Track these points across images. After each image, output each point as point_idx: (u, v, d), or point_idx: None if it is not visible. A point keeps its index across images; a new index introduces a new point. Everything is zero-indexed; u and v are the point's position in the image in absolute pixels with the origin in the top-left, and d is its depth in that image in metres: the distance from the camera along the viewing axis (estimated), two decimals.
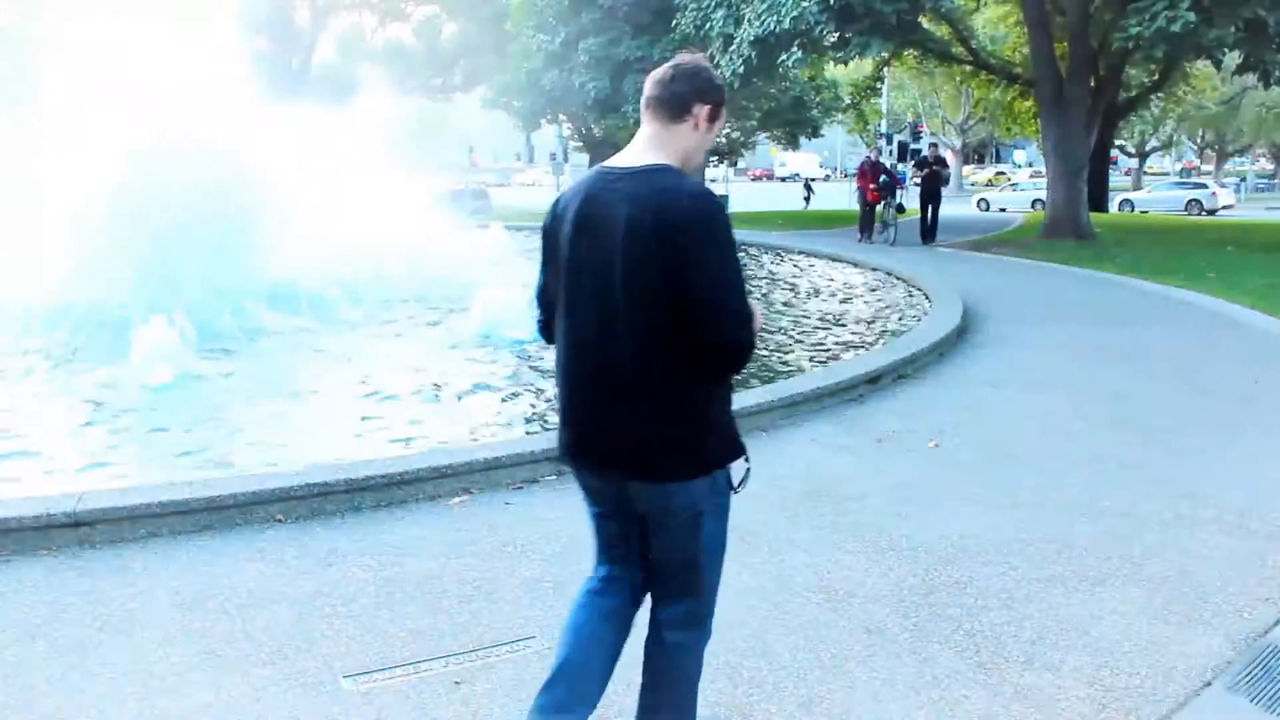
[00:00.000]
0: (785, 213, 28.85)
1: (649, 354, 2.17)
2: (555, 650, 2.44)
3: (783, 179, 49.47)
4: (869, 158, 18.87)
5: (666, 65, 2.30)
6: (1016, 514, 4.43)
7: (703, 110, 2.27)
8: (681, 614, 2.40)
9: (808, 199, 38.57)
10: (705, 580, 2.38)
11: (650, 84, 2.28)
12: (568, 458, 2.39)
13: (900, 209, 17.81)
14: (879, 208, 17.95)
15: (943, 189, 18.06)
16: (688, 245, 2.09)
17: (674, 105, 2.25)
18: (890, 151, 27.26)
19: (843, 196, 35.93)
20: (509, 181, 59.52)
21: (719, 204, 2.18)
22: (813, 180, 43.38)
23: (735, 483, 2.30)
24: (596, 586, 2.48)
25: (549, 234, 2.35)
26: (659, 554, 2.37)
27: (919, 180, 17.89)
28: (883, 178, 17.89)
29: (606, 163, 2.32)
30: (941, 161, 18.56)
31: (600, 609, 2.46)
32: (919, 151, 24.15)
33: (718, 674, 3.07)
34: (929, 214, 17.55)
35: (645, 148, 2.26)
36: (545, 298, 2.41)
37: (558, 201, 2.35)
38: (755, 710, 2.89)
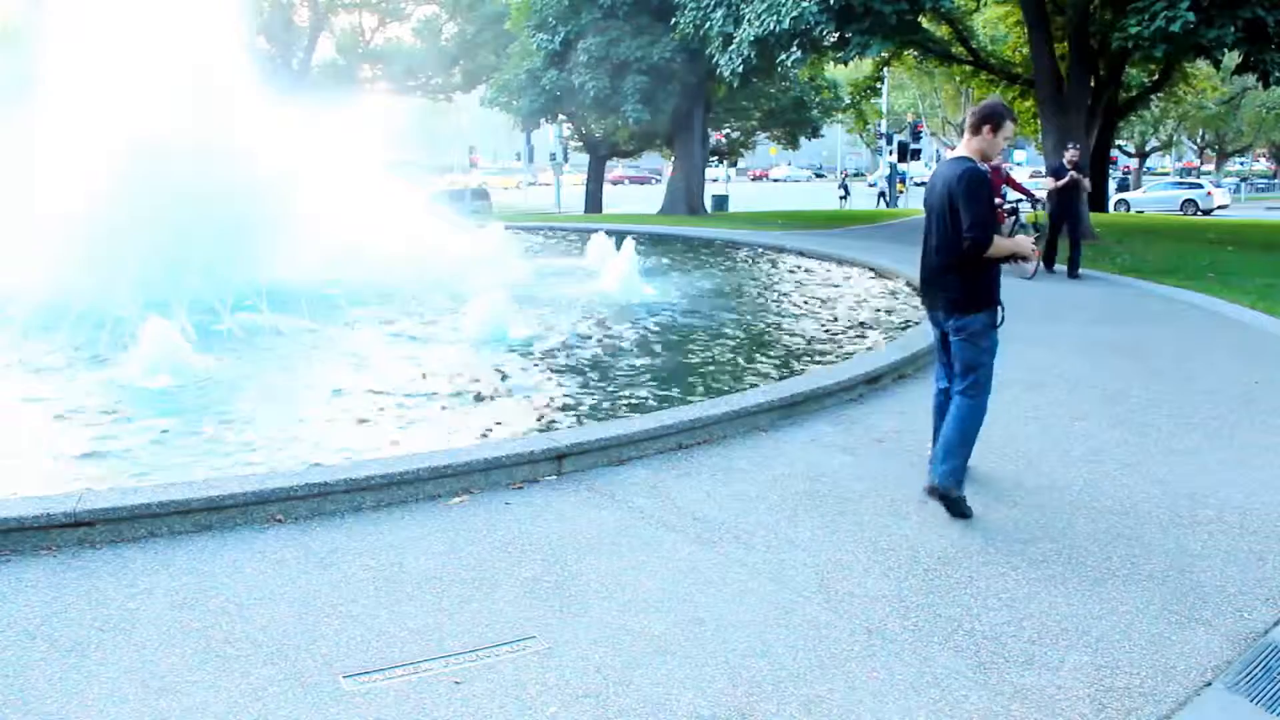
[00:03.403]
0: (821, 212, 28.79)
1: (952, 250, 4.33)
2: (934, 433, 4.72)
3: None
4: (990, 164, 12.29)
5: (974, 108, 4.50)
6: (1017, 514, 4.44)
7: (986, 127, 4.38)
8: (970, 387, 4.43)
9: (844, 198, 39.50)
10: (982, 370, 4.43)
11: (968, 116, 4.55)
12: (923, 303, 4.72)
13: (1038, 228, 13.13)
14: (1006, 227, 12.69)
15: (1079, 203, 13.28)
16: (959, 193, 4.26)
17: (971, 126, 4.44)
18: (890, 151, 23.78)
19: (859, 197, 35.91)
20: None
21: (977, 174, 4.28)
22: (850, 179, 45.40)
23: (999, 321, 4.43)
24: (940, 390, 4.74)
25: (925, 192, 4.55)
26: (958, 355, 4.44)
27: (1058, 193, 12.91)
28: (1006, 190, 12.83)
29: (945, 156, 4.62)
30: (1080, 169, 13.33)
31: (942, 404, 4.69)
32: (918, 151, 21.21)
33: (718, 674, 3.08)
34: (1069, 235, 12.95)
35: (960, 148, 4.49)
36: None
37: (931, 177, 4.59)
38: (755, 710, 2.89)
